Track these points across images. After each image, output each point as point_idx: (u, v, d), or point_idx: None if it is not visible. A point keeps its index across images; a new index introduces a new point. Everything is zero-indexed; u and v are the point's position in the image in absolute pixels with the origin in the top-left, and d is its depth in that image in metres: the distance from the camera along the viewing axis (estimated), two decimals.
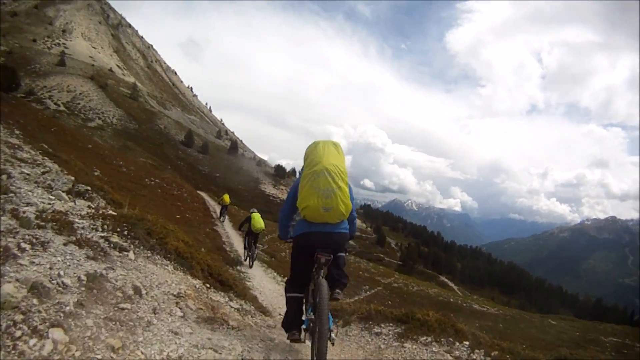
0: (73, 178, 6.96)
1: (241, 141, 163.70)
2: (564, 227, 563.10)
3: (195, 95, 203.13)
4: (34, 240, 3.58)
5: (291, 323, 3.46)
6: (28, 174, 6.24)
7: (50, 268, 3.16)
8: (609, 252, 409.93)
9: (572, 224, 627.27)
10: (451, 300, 28.97)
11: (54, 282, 2.97)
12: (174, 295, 3.64)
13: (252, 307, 5.02)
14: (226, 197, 26.21)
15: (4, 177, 5.46)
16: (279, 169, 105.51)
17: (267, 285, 9.31)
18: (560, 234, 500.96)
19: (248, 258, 12.67)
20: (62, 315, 2.62)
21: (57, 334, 2.41)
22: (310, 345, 3.32)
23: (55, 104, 72.44)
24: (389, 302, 21.50)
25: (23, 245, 3.40)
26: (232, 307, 4.38)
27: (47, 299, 2.73)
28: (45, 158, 8.88)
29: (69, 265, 3.31)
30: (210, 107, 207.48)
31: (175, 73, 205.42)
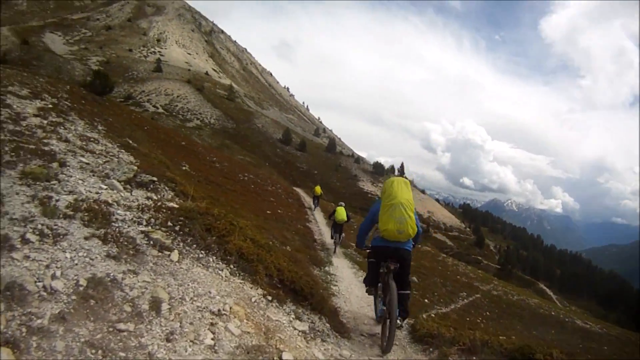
0: (136, 168, 6.68)
1: (339, 139, 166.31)
2: None
3: (292, 95, 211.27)
4: (47, 231, 3.05)
5: (370, 281, 5.09)
6: (87, 163, 6.11)
7: (47, 266, 2.54)
8: None
9: None
10: (552, 313, 26.15)
11: (40, 284, 2.33)
12: (212, 313, 2.81)
13: (328, 325, 4.15)
14: (317, 189, 29.40)
15: (54, 164, 5.27)
16: (378, 166, 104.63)
17: (355, 291, 8.33)
18: None
19: (334, 246, 14.97)
20: (24, 329, 1.97)
21: (3, 355, 1.81)
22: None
23: (153, 106, 79.72)
24: (487, 313, 19.73)
25: (29, 236, 2.88)
26: (296, 328, 3.46)
27: (18, 306, 2.10)
28: (122, 151, 8.93)
29: (76, 264, 2.67)
30: (307, 106, 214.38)
31: (271, 74, 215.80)
